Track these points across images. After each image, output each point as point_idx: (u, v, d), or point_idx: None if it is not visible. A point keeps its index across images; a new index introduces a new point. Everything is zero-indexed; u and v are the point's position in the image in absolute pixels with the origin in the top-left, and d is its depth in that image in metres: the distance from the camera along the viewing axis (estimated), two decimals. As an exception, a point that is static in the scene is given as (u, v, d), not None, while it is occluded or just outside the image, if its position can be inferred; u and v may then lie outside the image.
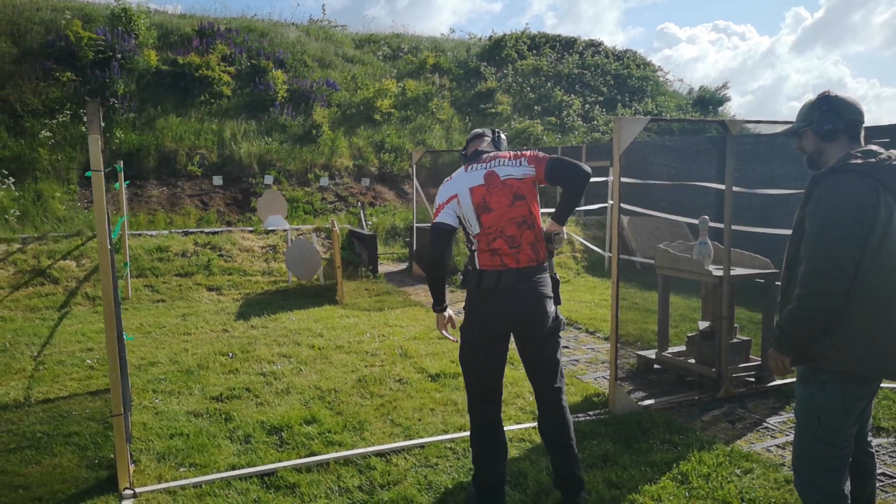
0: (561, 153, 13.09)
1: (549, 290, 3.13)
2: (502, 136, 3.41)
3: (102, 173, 3.17)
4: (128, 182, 11.28)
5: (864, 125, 2.54)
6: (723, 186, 4.87)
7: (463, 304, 3.30)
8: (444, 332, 3.27)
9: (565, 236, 3.26)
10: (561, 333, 3.24)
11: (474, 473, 3.23)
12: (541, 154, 3.17)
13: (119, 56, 14.05)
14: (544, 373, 3.19)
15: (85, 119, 12.38)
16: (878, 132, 9.18)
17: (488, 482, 3.16)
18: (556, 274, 3.24)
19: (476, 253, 3.11)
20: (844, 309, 2.38)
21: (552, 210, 3.36)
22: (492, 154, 3.21)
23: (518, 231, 3.06)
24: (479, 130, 3.43)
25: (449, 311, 3.24)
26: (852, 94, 2.60)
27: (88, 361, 5.75)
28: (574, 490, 3.20)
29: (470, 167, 3.18)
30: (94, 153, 3.16)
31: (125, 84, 13.89)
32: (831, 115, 2.50)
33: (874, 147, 2.47)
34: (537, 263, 3.10)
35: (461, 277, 3.21)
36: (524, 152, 3.20)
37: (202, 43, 15.58)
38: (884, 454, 3.85)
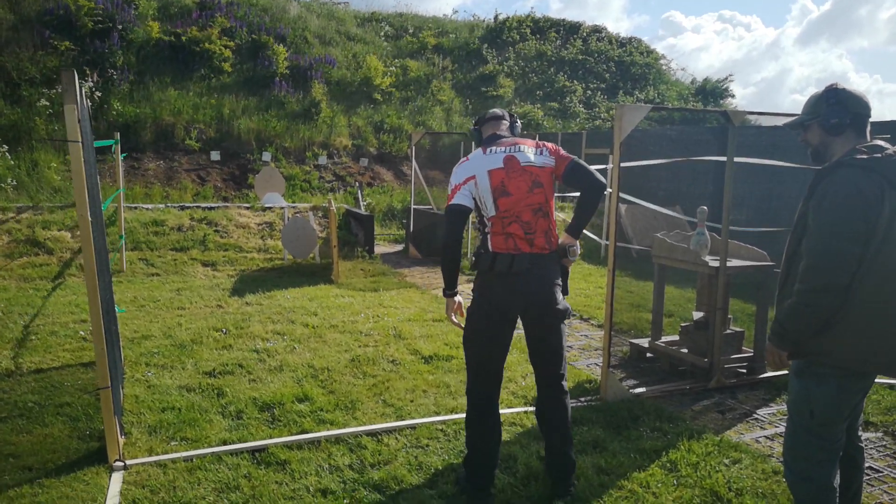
0: (561, 139, 13.03)
1: (558, 279, 3.13)
2: (518, 122, 3.38)
3: (80, 144, 3.12)
4: (124, 154, 11.21)
5: (870, 119, 2.51)
6: (723, 158, 4.85)
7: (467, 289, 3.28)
8: (452, 317, 3.22)
9: (579, 250, 3.23)
10: (566, 322, 3.24)
11: (467, 455, 3.23)
12: (563, 151, 3.17)
13: (120, 27, 13.88)
14: (549, 358, 3.19)
15: (84, 88, 12.25)
16: (880, 128, 9.16)
17: (482, 465, 3.17)
18: (565, 265, 3.22)
19: (489, 235, 3.09)
20: (845, 304, 2.37)
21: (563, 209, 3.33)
22: (511, 139, 3.19)
23: (534, 218, 3.05)
24: (497, 111, 3.37)
25: (459, 297, 3.21)
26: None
27: (81, 333, 5.74)
28: (565, 472, 3.21)
29: (489, 150, 3.15)
30: (70, 123, 3.11)
31: (124, 55, 13.74)
32: (838, 108, 2.46)
33: (880, 142, 2.45)
34: (549, 251, 3.09)
35: (472, 259, 3.19)
36: (546, 143, 3.19)
37: (202, 16, 15.40)
38: (871, 448, 3.87)
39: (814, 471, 2.51)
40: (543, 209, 3.09)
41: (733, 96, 21.55)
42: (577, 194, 3.16)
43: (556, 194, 5.99)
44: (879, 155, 2.37)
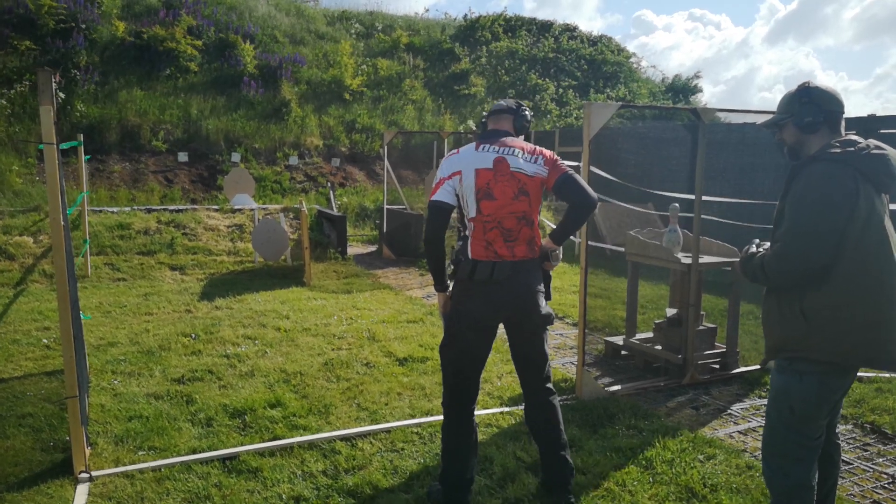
0: (534, 138, 13.06)
1: (541, 285, 3.05)
2: (526, 112, 3.19)
3: (55, 146, 3.01)
4: (88, 157, 10.94)
5: (844, 115, 2.52)
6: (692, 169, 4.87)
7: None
8: (444, 314, 3.13)
9: (561, 255, 3.18)
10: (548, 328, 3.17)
11: (443, 469, 3.10)
12: (559, 161, 3.04)
13: (83, 26, 13.55)
14: (533, 365, 3.12)
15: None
16: (851, 124, 9.34)
17: (460, 477, 3.05)
18: (547, 270, 3.14)
19: (469, 240, 2.99)
20: (824, 298, 2.37)
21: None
22: (509, 140, 3.05)
23: (517, 226, 2.96)
24: (502, 104, 3.17)
25: (450, 293, 3.10)
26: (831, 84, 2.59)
27: (45, 341, 5.57)
28: (564, 478, 3.11)
29: (482, 146, 3.02)
30: (45, 125, 3.00)
31: (87, 55, 13.42)
32: (811, 106, 2.48)
33: (854, 136, 2.46)
34: (531, 257, 3.01)
35: (451, 267, 3.07)
36: (542, 150, 3.05)
37: (168, 14, 15.11)
38: (841, 440, 3.92)
39: (791, 467, 2.50)
40: (528, 217, 2.98)
41: (702, 91, 21.88)
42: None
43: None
44: (852, 149, 2.38)
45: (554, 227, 3.12)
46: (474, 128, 15.58)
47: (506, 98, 3.34)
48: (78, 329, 4.09)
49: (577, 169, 3.72)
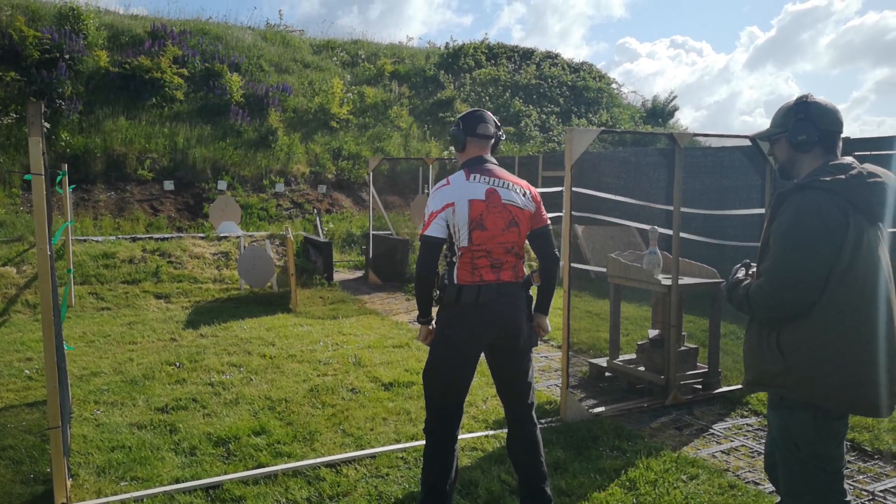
0: (518, 163, 13.21)
1: (525, 308, 3.08)
2: (503, 137, 3.25)
3: (44, 177, 3.03)
4: (73, 186, 10.93)
5: (841, 135, 2.36)
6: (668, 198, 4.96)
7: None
8: (425, 344, 3.16)
9: (549, 329, 3.21)
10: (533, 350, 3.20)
11: (423, 497, 3.07)
12: (543, 207, 3.13)
13: (67, 56, 13.62)
14: (517, 390, 3.13)
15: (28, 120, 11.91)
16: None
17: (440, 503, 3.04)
18: (530, 294, 3.16)
19: (456, 266, 3.00)
20: (801, 334, 2.25)
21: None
22: (497, 171, 3.09)
23: (505, 256, 3.00)
24: (488, 129, 3.12)
25: (434, 325, 3.12)
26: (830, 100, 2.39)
27: (27, 372, 5.52)
28: None
29: (472, 176, 3.02)
30: (34, 156, 3.02)
31: (73, 85, 13.47)
32: (806, 124, 2.31)
33: (848, 160, 2.30)
34: (516, 280, 3.05)
35: (437, 293, 3.06)
36: (529, 185, 3.14)
37: (154, 45, 15.23)
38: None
39: (822, 501, 2.33)
40: (516, 249, 3.03)
41: (678, 109, 22.27)
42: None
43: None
44: (843, 176, 2.22)
45: (533, 272, 3.15)
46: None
47: (484, 109, 3.34)
48: (61, 359, 4.07)
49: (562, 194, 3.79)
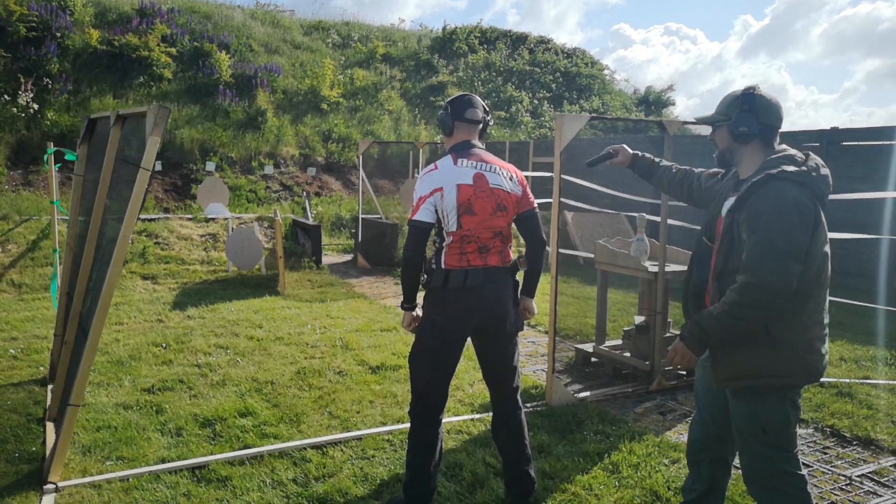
0: (509, 148, 13.18)
1: (512, 293, 3.10)
2: (490, 122, 3.21)
3: (150, 172, 3.21)
4: (59, 165, 10.80)
5: (780, 130, 2.43)
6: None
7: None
8: (409, 330, 3.17)
9: (536, 311, 3.22)
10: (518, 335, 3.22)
11: (408, 479, 3.09)
12: (528, 188, 3.13)
13: (58, 34, 13.39)
14: (503, 374, 3.15)
15: (20, 98, 11.75)
16: (816, 137, 9.60)
17: (424, 487, 3.07)
18: (517, 279, 3.17)
19: (444, 251, 3.01)
20: (786, 324, 2.29)
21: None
22: (484, 155, 3.08)
23: (492, 241, 3.01)
24: (477, 113, 3.10)
25: (417, 311, 3.13)
26: (775, 94, 2.45)
27: (12, 351, 5.50)
28: (525, 491, 3.18)
29: (459, 161, 3.01)
30: (149, 153, 3.16)
31: (59, 63, 13.26)
32: (750, 116, 2.36)
33: (792, 151, 2.37)
34: (503, 265, 3.06)
35: (424, 277, 3.06)
36: (515, 169, 3.14)
37: (142, 22, 15.01)
38: (802, 444, 4.03)
39: (787, 482, 2.41)
40: (504, 233, 3.05)
41: (674, 104, 22.24)
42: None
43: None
44: (805, 169, 2.29)
45: (520, 258, 3.17)
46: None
47: (474, 94, 3.31)
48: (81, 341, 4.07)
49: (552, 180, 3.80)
